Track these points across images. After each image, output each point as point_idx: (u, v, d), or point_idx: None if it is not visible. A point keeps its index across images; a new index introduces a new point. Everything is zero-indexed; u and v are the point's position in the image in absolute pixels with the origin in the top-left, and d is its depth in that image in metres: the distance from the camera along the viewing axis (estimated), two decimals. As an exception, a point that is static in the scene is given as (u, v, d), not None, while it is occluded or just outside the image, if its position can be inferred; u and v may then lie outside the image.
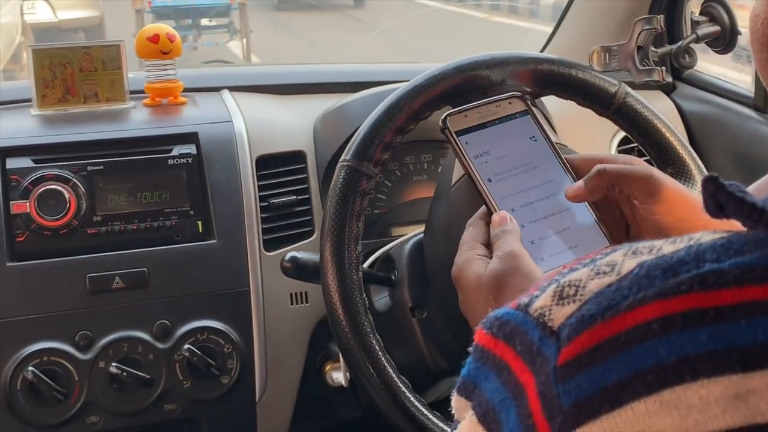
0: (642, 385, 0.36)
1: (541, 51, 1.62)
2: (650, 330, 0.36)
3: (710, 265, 0.37)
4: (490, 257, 0.72)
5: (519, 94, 0.85)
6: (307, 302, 1.20)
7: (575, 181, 0.80)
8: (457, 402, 0.46)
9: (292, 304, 1.20)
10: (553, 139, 0.85)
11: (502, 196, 0.78)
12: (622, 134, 1.38)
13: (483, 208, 0.78)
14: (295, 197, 1.23)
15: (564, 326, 0.39)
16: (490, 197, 0.77)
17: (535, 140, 0.83)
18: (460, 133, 0.80)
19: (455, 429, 0.46)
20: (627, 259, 0.40)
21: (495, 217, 0.75)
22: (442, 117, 0.80)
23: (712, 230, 0.40)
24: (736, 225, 0.40)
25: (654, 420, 0.35)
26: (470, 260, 0.72)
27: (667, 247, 0.40)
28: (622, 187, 0.75)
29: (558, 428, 0.37)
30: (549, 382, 0.38)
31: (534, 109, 1.01)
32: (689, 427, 0.35)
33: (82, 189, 1.13)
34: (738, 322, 0.35)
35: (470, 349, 0.45)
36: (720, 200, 0.40)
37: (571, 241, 0.78)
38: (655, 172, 0.75)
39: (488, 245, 0.74)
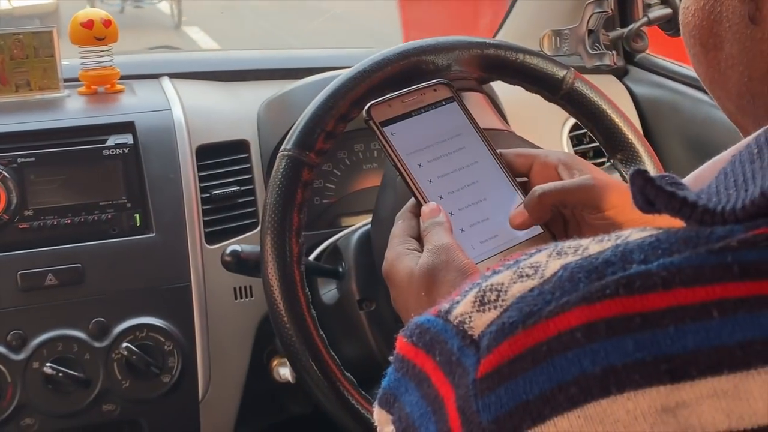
0: (565, 399, 0.33)
1: (494, 36, 1.60)
2: (573, 338, 0.33)
3: (637, 266, 0.34)
4: (422, 251, 0.69)
5: (444, 81, 0.83)
6: (251, 296, 1.17)
7: (503, 166, 0.78)
8: (378, 415, 0.43)
9: (236, 299, 1.16)
10: (488, 125, 0.83)
11: (431, 185, 0.76)
12: (573, 120, 1.36)
13: (412, 199, 0.76)
14: (238, 188, 1.20)
15: (484, 335, 0.36)
16: (418, 188, 0.75)
17: (462, 127, 0.81)
18: (385, 123, 0.78)
19: None
20: (551, 260, 0.37)
21: (424, 209, 0.73)
22: (366, 108, 0.78)
23: (641, 227, 0.38)
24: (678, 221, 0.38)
25: None
26: (401, 255, 0.70)
27: (593, 246, 0.37)
28: (565, 204, 0.73)
29: None
30: (468, 396, 0.35)
31: (475, 94, 0.99)
32: None
33: (13, 182, 1.08)
34: (666, 329, 0.32)
35: (391, 358, 0.42)
36: (649, 195, 0.37)
37: (501, 228, 0.76)
38: (596, 180, 0.73)
39: (419, 238, 0.72)
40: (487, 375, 0.35)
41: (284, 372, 1.14)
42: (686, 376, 0.32)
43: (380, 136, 0.77)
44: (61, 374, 1.05)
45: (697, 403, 0.32)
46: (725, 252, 0.34)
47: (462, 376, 0.36)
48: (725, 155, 0.41)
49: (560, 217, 0.77)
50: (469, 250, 0.72)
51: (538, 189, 0.74)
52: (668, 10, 1.28)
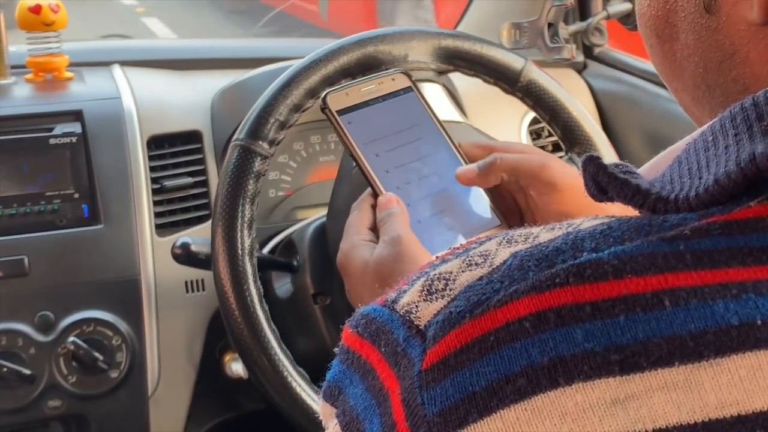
0: (512, 391, 0.32)
1: (454, 28, 1.59)
2: (522, 328, 0.32)
3: (588, 254, 0.33)
4: (377, 242, 0.68)
5: (402, 70, 0.82)
6: (203, 290, 1.14)
7: (462, 157, 0.78)
8: (323, 408, 0.41)
9: (187, 292, 1.14)
10: (446, 117, 0.82)
11: (387, 176, 0.75)
12: (532, 114, 1.36)
13: (369, 189, 0.75)
14: (190, 179, 1.17)
15: (431, 324, 0.35)
16: (375, 178, 0.74)
17: (420, 117, 0.80)
18: (342, 112, 0.77)
19: None
20: (501, 248, 0.36)
21: (381, 199, 0.72)
22: (322, 96, 0.76)
23: (593, 216, 0.37)
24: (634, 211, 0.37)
25: (525, 429, 0.31)
26: (356, 246, 0.69)
27: (544, 234, 0.36)
28: (518, 177, 0.72)
29: None
30: (413, 388, 0.34)
31: (433, 84, 0.98)
32: None
33: (-45, 171, 1.05)
34: (616, 318, 0.31)
35: (336, 349, 0.41)
36: (601, 182, 0.36)
37: (459, 220, 0.76)
38: (551, 160, 0.73)
39: (375, 229, 0.71)
40: (432, 366, 0.33)
41: (237, 367, 1.13)
42: (636, 367, 0.31)
43: (336, 125, 0.76)
44: (5, 369, 1.02)
45: (648, 396, 0.31)
46: (678, 240, 0.33)
47: (407, 368, 0.34)
48: (680, 144, 0.40)
49: (516, 208, 0.77)
50: (426, 241, 0.71)
51: (496, 154, 0.74)
52: (627, 5, 1.28)
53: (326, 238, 0.99)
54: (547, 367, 0.31)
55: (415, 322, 0.35)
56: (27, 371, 1.03)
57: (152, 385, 1.11)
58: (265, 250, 1.09)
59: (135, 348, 1.08)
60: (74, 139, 1.10)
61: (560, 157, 1.15)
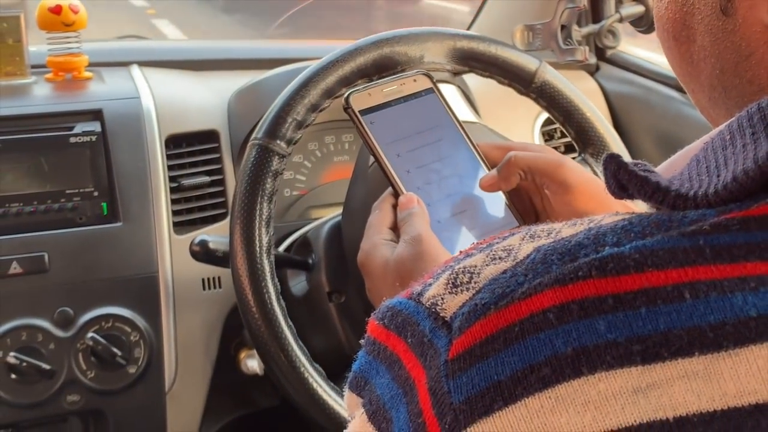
0: (536, 380, 0.33)
1: (467, 30, 1.60)
2: (546, 319, 0.33)
3: (610, 249, 0.34)
4: (398, 241, 0.69)
5: (424, 71, 0.83)
6: (220, 287, 1.16)
7: (481, 158, 0.78)
8: (348, 398, 0.42)
9: (204, 290, 1.15)
10: (462, 117, 0.83)
11: (408, 176, 0.75)
12: (545, 115, 1.36)
13: (389, 189, 0.75)
14: (207, 178, 1.18)
15: (456, 316, 0.36)
16: (396, 178, 0.75)
17: (441, 118, 0.81)
18: (364, 112, 0.77)
19: (347, 429, 0.42)
20: (524, 243, 0.37)
21: (402, 198, 0.72)
22: (345, 95, 0.77)
23: (614, 212, 0.38)
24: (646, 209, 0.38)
25: (549, 417, 0.32)
26: (376, 245, 0.70)
27: (566, 230, 0.37)
28: (534, 176, 0.73)
29: (448, 427, 0.34)
30: (439, 377, 0.35)
31: (448, 84, 0.98)
32: (586, 424, 0.32)
33: (-23, 168, 1.06)
34: (638, 311, 0.32)
35: (362, 341, 0.42)
36: (622, 180, 0.37)
37: (479, 220, 0.76)
38: (567, 161, 0.74)
39: (395, 229, 0.71)
40: (458, 356, 0.34)
41: (252, 364, 1.14)
42: (658, 357, 0.32)
43: (359, 125, 0.77)
44: (25, 364, 1.03)
45: (668, 384, 0.32)
46: (697, 235, 0.34)
47: (433, 358, 0.35)
48: (697, 143, 0.41)
49: (532, 209, 0.77)
50: (446, 241, 0.71)
51: (511, 153, 0.75)
52: (640, 7, 1.28)
53: (341, 237, 1.00)
54: (571, 356, 0.32)
55: (440, 314, 0.36)
56: (46, 366, 1.04)
57: (169, 380, 1.12)
58: (281, 248, 1.10)
59: (153, 344, 1.09)
60: (94, 138, 1.11)
61: (573, 158, 1.16)
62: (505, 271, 0.36)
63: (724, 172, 0.36)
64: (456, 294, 0.37)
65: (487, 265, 0.37)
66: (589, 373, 0.32)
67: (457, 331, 0.35)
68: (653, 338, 0.32)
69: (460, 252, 0.40)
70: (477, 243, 0.40)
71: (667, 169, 0.43)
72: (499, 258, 0.37)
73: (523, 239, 0.38)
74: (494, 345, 0.34)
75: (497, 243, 0.38)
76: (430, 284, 0.38)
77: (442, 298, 0.37)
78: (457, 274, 0.37)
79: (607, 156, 0.38)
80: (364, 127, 0.76)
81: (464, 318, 0.35)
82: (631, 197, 0.38)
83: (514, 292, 0.34)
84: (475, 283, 0.36)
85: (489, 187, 0.75)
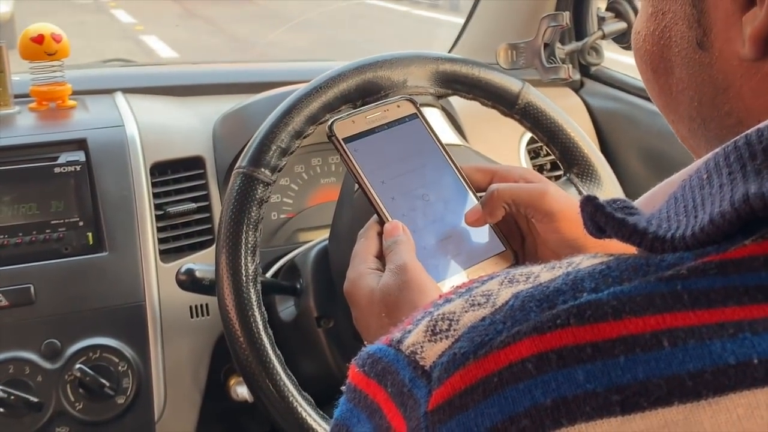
0: (516, 431, 0.32)
1: (450, 49, 1.60)
2: (525, 369, 0.33)
3: (588, 295, 0.34)
4: (383, 270, 0.69)
5: (408, 97, 0.83)
6: (208, 315, 1.15)
7: (465, 182, 0.78)
8: None
9: (192, 317, 1.15)
10: (446, 140, 0.82)
11: (393, 202, 0.75)
12: (530, 135, 1.37)
13: (375, 217, 0.75)
14: (193, 204, 1.18)
15: (436, 365, 0.35)
16: (381, 205, 0.74)
17: (425, 143, 0.81)
18: (348, 140, 0.77)
19: None
20: (503, 288, 0.37)
21: (387, 226, 0.72)
22: (328, 124, 0.77)
23: (593, 254, 0.37)
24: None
25: None
26: (362, 275, 0.69)
27: (544, 274, 0.37)
28: (517, 206, 0.73)
29: None
30: (419, 429, 0.35)
31: (432, 108, 0.98)
32: None
33: (-39, 201, 1.06)
34: (616, 359, 0.32)
35: (343, 388, 0.42)
36: (599, 222, 0.37)
37: (465, 245, 0.76)
38: (550, 189, 0.73)
39: (381, 257, 0.71)
40: (438, 407, 0.34)
41: (242, 391, 1.13)
42: (637, 407, 0.31)
43: (343, 153, 0.76)
44: (12, 397, 1.02)
45: None
46: (675, 280, 0.34)
47: (413, 408, 0.35)
48: (676, 179, 0.41)
49: (518, 232, 0.77)
50: (432, 269, 0.71)
51: (493, 186, 0.75)
52: (622, 24, 1.29)
53: (328, 261, 1.00)
54: (550, 407, 0.32)
55: (420, 363, 0.36)
56: (34, 399, 1.03)
57: (158, 409, 1.11)
58: (269, 273, 1.10)
59: (141, 373, 1.08)
60: (78, 168, 1.11)
61: (559, 177, 1.16)
62: (483, 318, 0.36)
63: (701, 213, 0.35)
64: (435, 342, 0.36)
65: (466, 311, 0.37)
66: (569, 425, 0.32)
67: (437, 382, 0.35)
68: (632, 387, 0.32)
69: (440, 296, 0.40)
70: (456, 287, 0.40)
71: (648, 202, 0.42)
72: (478, 304, 0.37)
73: (501, 284, 0.37)
74: (474, 396, 0.34)
75: (476, 287, 0.38)
76: (410, 331, 0.38)
77: (422, 347, 0.37)
78: (436, 321, 0.37)
79: (584, 199, 0.38)
80: (348, 155, 0.76)
81: (443, 368, 0.35)
82: (608, 237, 0.38)
83: (492, 341, 0.34)
84: (454, 330, 0.36)
85: (475, 222, 0.75)
